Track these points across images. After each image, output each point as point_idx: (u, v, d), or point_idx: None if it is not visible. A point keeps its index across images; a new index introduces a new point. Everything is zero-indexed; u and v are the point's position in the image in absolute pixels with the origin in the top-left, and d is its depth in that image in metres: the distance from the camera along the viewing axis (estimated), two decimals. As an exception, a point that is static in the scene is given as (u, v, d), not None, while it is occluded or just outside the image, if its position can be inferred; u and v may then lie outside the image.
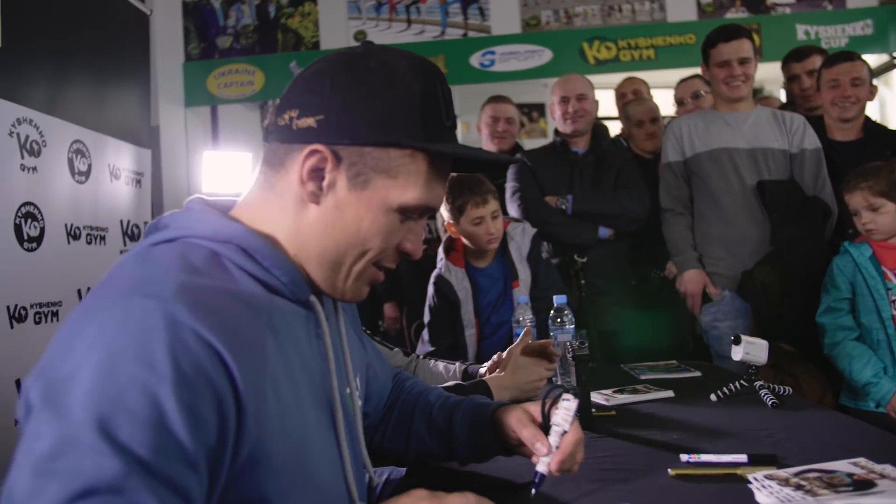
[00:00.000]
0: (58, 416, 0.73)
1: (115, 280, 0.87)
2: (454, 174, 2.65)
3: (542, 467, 1.13)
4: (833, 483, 1.13)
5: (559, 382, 2.01)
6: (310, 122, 0.94)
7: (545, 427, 1.17)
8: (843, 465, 1.21)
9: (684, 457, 1.38)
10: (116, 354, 0.76)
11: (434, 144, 0.97)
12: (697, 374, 2.30)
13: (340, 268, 0.99)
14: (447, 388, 1.81)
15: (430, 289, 2.70)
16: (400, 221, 0.99)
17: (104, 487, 0.70)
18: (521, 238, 2.68)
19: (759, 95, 4.52)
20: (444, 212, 2.62)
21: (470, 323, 2.63)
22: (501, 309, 2.63)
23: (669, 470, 1.32)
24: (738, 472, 1.26)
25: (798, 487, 1.13)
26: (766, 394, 1.83)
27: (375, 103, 0.94)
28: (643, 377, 2.27)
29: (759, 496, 1.13)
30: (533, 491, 1.14)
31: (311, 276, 1.00)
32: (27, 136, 2.51)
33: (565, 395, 1.16)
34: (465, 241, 2.63)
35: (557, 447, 1.13)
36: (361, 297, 1.05)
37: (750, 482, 1.19)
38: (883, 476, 1.15)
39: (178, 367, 0.76)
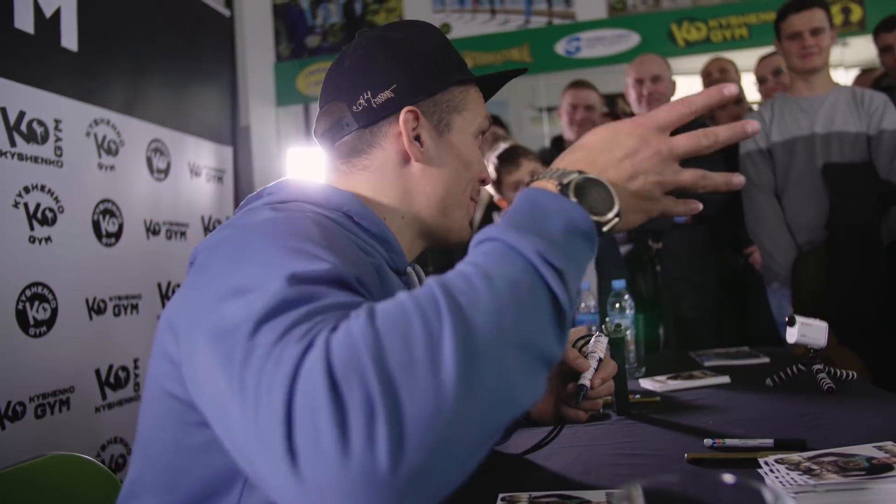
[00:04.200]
0: (243, 266, 0.76)
1: (247, 227, 0.87)
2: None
3: (585, 381, 1.28)
4: (847, 467, 1.05)
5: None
6: (387, 94, 1.07)
7: None
8: (866, 450, 1.12)
9: (708, 441, 1.31)
10: (275, 235, 0.81)
11: (472, 75, 1.16)
12: (766, 360, 2.18)
13: (455, 207, 1.13)
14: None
15: None
16: (479, 147, 1.16)
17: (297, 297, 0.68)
18: None
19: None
20: (489, 188, 2.62)
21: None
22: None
23: (686, 454, 1.26)
24: (759, 456, 1.19)
25: (807, 471, 1.05)
26: (822, 378, 1.71)
27: (425, 58, 1.10)
28: (707, 363, 2.17)
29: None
30: (579, 400, 1.28)
31: (432, 225, 1.12)
32: (104, 136, 2.64)
33: (598, 332, 1.38)
34: None
35: (595, 370, 1.30)
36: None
37: (761, 466, 1.12)
38: (908, 460, 1.06)
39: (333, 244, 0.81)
